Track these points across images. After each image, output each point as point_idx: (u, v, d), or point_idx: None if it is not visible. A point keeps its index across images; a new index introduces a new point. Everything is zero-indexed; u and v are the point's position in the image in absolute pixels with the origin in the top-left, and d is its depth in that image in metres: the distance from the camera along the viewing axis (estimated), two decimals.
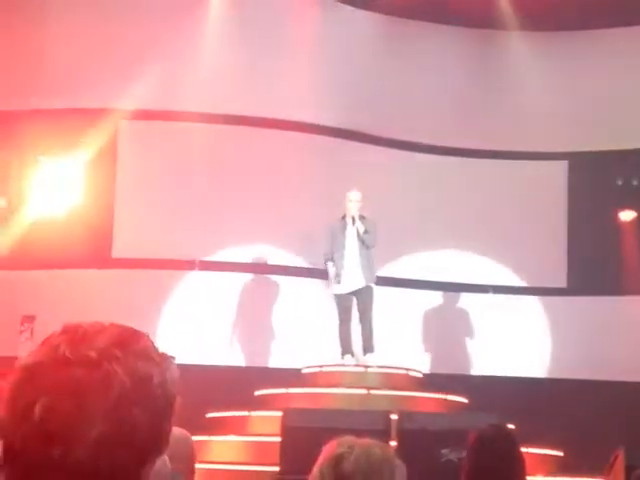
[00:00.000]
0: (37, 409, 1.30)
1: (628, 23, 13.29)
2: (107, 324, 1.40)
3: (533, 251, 13.31)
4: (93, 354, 1.33)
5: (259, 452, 9.71)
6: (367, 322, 10.97)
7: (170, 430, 1.39)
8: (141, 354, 1.36)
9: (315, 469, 2.60)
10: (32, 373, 1.33)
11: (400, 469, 2.61)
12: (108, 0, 12.69)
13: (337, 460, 2.58)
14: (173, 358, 1.43)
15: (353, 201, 11.03)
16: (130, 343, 1.37)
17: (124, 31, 12.53)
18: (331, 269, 11.00)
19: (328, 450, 2.63)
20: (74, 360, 1.33)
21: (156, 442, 1.37)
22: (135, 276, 12.36)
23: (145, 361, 1.36)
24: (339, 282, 10.98)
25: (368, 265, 10.99)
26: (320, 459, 2.62)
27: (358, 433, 2.72)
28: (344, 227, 11.07)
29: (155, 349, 1.40)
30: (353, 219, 10.98)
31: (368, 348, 11.00)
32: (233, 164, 12.73)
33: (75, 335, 1.36)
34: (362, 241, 10.94)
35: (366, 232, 10.92)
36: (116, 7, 12.60)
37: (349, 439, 2.66)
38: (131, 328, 1.41)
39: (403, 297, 13.15)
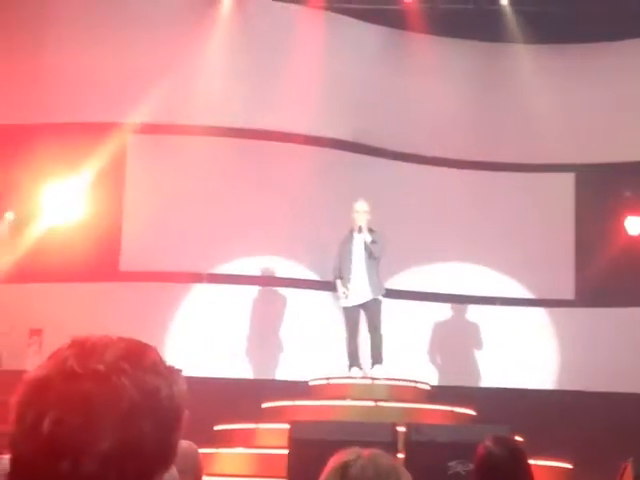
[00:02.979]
0: (46, 423, 1.30)
1: (635, 36, 13.28)
2: (115, 337, 1.40)
3: (540, 263, 13.28)
4: (101, 368, 1.34)
5: (266, 465, 9.69)
6: (375, 334, 10.95)
7: (178, 443, 1.40)
8: (149, 367, 1.37)
9: (322, 478, 2.59)
10: (40, 387, 1.34)
11: (406, 477, 2.60)
12: (115, 15, 12.74)
13: (343, 468, 2.57)
14: (181, 371, 1.44)
15: (360, 212, 10.99)
16: (138, 356, 1.37)
17: (132, 45, 12.58)
18: (340, 287, 10.95)
19: (334, 459, 2.62)
20: (82, 374, 1.33)
21: (164, 455, 1.37)
22: (143, 289, 12.37)
23: (153, 374, 1.37)
24: (346, 296, 10.95)
25: (375, 278, 10.95)
26: (326, 468, 2.61)
27: (365, 445, 2.70)
28: (351, 240, 11.05)
29: (163, 362, 1.40)
30: (360, 229, 10.96)
31: (376, 360, 10.97)
32: (240, 177, 12.74)
33: (83, 349, 1.36)
34: (369, 252, 10.90)
35: (373, 242, 10.87)
36: (123, 22, 12.66)
37: (355, 449, 2.65)
38: (139, 341, 1.41)
39: (411, 309, 13.13)
